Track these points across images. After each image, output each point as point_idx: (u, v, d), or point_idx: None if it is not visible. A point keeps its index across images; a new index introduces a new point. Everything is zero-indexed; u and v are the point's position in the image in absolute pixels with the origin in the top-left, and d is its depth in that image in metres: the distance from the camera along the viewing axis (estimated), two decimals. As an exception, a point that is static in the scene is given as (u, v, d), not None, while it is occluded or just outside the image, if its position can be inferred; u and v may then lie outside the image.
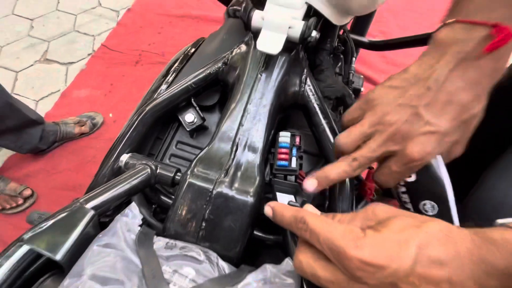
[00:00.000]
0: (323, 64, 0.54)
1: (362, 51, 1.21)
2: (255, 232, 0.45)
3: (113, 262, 0.32)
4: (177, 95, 0.50)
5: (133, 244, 0.36)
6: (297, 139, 0.48)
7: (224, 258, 0.36)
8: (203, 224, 0.38)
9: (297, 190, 0.44)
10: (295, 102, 0.49)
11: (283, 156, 0.46)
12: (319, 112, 0.48)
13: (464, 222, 0.32)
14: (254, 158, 0.43)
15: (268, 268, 0.34)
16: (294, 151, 0.46)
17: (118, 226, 0.37)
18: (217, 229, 0.39)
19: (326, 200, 0.50)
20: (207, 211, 0.39)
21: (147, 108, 0.49)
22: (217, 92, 0.54)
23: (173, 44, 1.86)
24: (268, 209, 0.35)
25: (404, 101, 0.34)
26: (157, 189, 0.47)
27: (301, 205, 0.37)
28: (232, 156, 0.43)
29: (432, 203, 0.37)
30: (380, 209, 0.28)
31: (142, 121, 0.49)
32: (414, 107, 0.34)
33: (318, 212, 0.35)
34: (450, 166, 0.37)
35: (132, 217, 0.40)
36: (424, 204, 0.38)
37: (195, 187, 0.39)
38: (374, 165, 0.41)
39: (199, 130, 0.54)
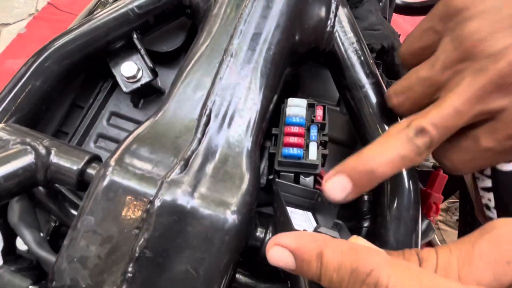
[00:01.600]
0: (362, -9, 0.37)
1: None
2: (239, 276, 0.28)
3: None
4: (107, 27, 0.33)
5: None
6: (319, 111, 0.31)
7: None
8: (131, 269, 0.22)
9: (319, 203, 0.28)
10: (316, 47, 0.32)
11: (294, 139, 0.29)
12: (357, 64, 0.32)
13: None
14: (241, 139, 0.27)
15: None
16: (314, 131, 0.30)
17: None
18: (158, 280, 0.22)
19: (363, 220, 0.33)
20: (141, 242, 0.22)
21: (50, 50, 0.32)
22: (180, 29, 0.37)
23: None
24: (279, 252, 0.19)
25: None
26: (59, 192, 0.29)
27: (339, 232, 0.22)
28: (199, 135, 0.26)
29: None
30: None
31: (39, 72, 0.31)
32: None
33: (381, 250, 0.19)
34: None
35: (-15, 250, 0.22)
36: None
37: (119, 192, 0.22)
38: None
39: (148, 94, 0.37)
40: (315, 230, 0.21)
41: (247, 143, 0.27)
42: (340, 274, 0.17)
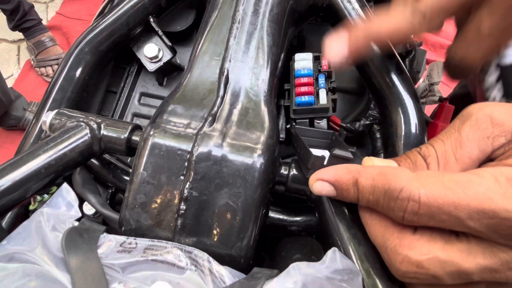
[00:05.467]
0: None
1: None
2: (272, 215, 0.33)
3: (20, 286, 0.21)
4: (127, 15, 0.37)
5: (60, 250, 0.24)
6: (325, 61, 0.35)
7: (222, 261, 0.26)
8: (182, 206, 0.27)
9: (334, 141, 0.32)
10: (314, 3, 0.35)
11: (304, 88, 0.33)
12: (353, 12, 0.34)
13: None
14: (257, 92, 0.31)
15: (302, 270, 0.22)
16: (322, 79, 0.34)
17: (33, 224, 0.25)
18: (206, 213, 0.27)
19: (377, 155, 0.37)
20: (187, 185, 0.27)
21: (82, 43, 0.37)
22: (190, 9, 0.41)
23: None
24: (321, 185, 0.23)
25: None
26: (111, 162, 0.35)
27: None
28: (222, 93, 0.30)
29: None
30: (500, 113, 0.20)
31: (76, 64, 0.36)
32: None
33: (394, 163, 0.23)
34: None
35: (66, 207, 0.28)
36: None
37: (163, 150, 0.27)
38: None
39: (171, 72, 0.42)
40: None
41: (263, 95, 0.31)
42: (375, 195, 0.21)
